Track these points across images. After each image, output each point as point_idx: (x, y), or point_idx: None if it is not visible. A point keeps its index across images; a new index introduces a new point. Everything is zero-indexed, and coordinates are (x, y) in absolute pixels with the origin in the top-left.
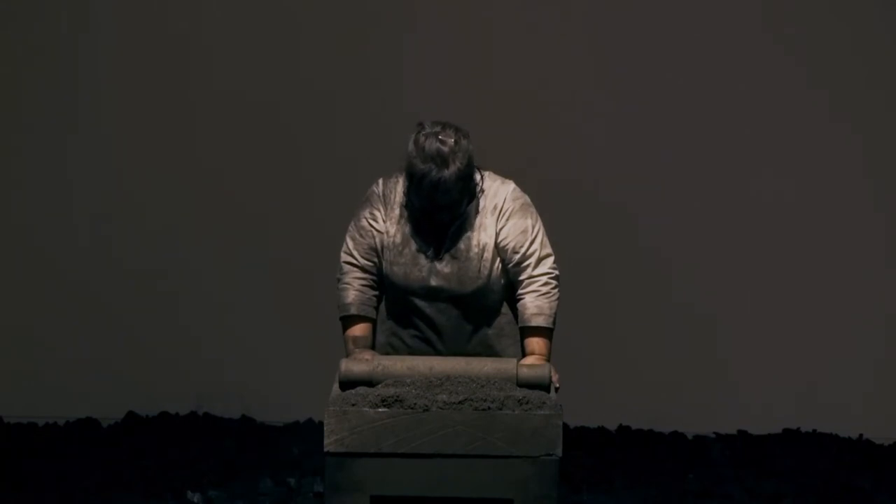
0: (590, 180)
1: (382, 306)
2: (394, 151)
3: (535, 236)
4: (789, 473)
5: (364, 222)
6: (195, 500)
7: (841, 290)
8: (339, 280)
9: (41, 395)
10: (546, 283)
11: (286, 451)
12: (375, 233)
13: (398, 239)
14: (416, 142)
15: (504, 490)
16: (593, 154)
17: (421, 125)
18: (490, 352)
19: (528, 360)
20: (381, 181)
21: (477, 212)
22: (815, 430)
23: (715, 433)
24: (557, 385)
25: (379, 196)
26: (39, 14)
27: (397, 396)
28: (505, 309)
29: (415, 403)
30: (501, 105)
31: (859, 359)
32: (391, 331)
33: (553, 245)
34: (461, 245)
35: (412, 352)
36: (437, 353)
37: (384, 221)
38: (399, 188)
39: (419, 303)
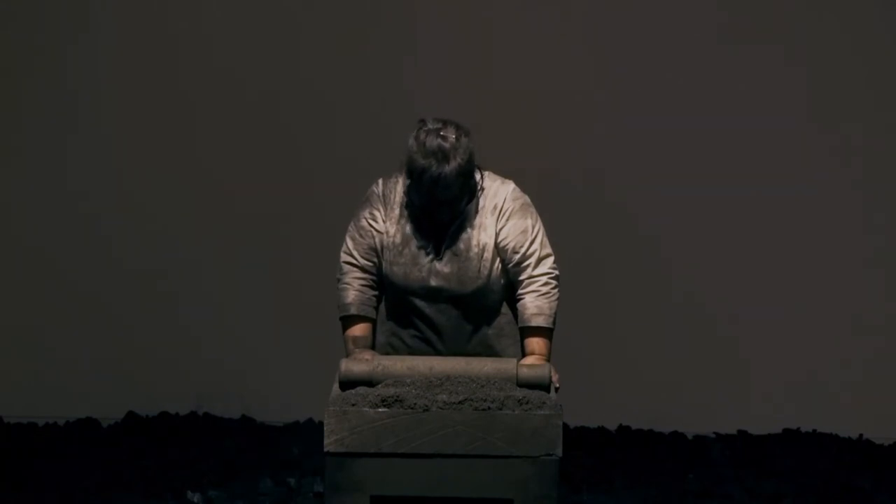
0: (589, 180)
1: (382, 306)
2: (394, 151)
3: (535, 236)
4: (789, 473)
5: (364, 222)
6: (195, 500)
7: (841, 290)
8: (338, 280)
9: (41, 395)
10: (546, 283)
11: (286, 451)
12: (375, 233)
13: (398, 239)
14: (416, 138)
15: (504, 490)
16: (592, 154)
17: (422, 121)
18: (490, 352)
19: (528, 360)
20: (380, 181)
21: (477, 212)
22: (815, 430)
23: (715, 433)
24: (557, 385)
25: (379, 196)
26: (39, 13)
27: (397, 396)
28: (505, 309)
29: (415, 403)
30: (501, 105)
31: (859, 359)
32: (391, 331)
33: (553, 245)
34: (461, 245)
35: (412, 352)
36: (437, 353)
37: (384, 221)
38: (399, 188)
39: (419, 303)
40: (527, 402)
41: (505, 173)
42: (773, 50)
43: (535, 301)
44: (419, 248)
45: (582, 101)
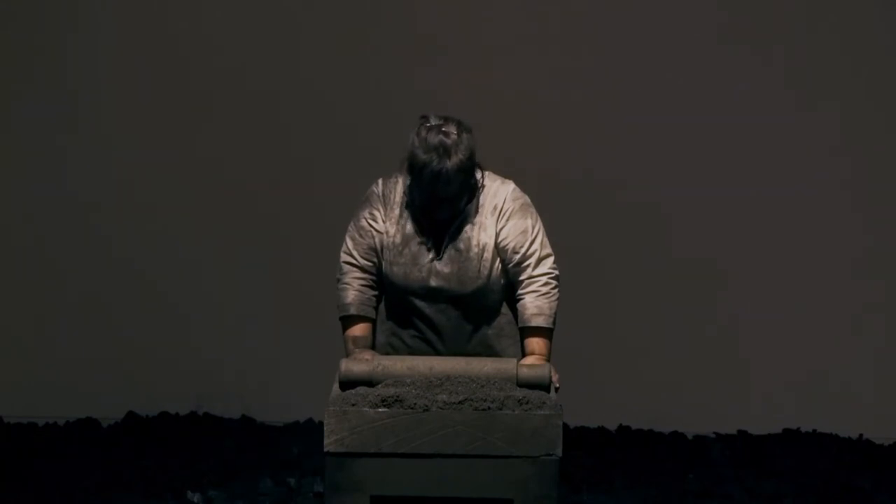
0: (589, 180)
1: (382, 306)
2: (394, 151)
3: (535, 236)
4: (789, 473)
5: (364, 222)
6: (195, 500)
7: (841, 290)
8: (338, 280)
9: (41, 395)
10: (546, 284)
11: (286, 451)
12: (375, 233)
13: (398, 239)
14: (418, 134)
15: (504, 490)
16: (592, 154)
17: (424, 118)
18: (490, 352)
19: (528, 360)
20: (380, 181)
21: (477, 212)
22: (815, 430)
23: (715, 433)
24: (557, 385)
25: (378, 196)
26: (39, 12)
27: (397, 396)
28: (505, 309)
29: (415, 403)
30: (502, 105)
31: (859, 359)
32: (391, 331)
33: (553, 245)
34: (461, 245)
35: (412, 352)
36: (437, 353)
37: (384, 221)
38: (399, 188)
39: (419, 303)
40: (527, 402)
41: (505, 173)
42: (773, 49)
43: (535, 301)
44: (419, 248)
45: (582, 101)
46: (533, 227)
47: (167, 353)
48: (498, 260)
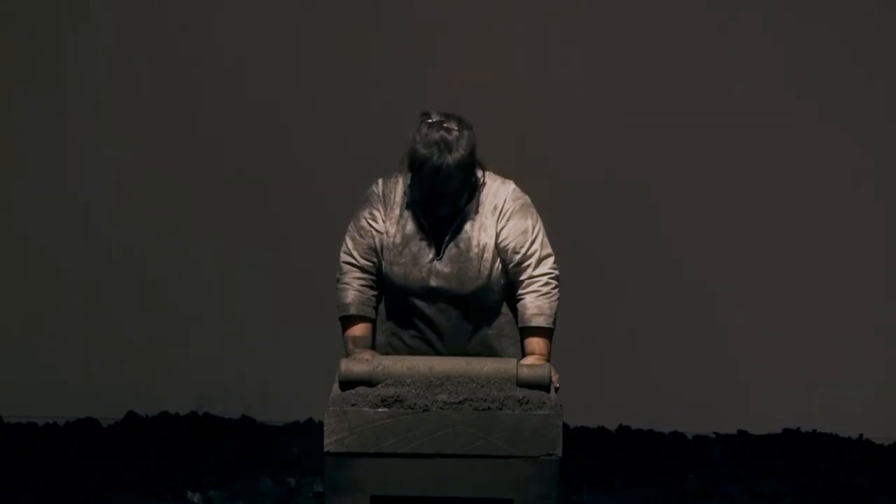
0: (589, 180)
1: (382, 306)
2: (395, 151)
3: (536, 236)
4: (789, 473)
5: (364, 222)
6: (195, 500)
7: (841, 290)
8: (338, 280)
9: (41, 395)
10: (546, 284)
11: (286, 451)
12: (375, 233)
13: (398, 239)
14: (419, 130)
15: (504, 490)
16: (591, 153)
17: (426, 114)
18: (490, 352)
19: (528, 360)
20: (380, 181)
21: (477, 212)
22: (815, 430)
23: (715, 433)
24: (557, 385)
25: (379, 196)
26: (39, 12)
27: (397, 396)
28: (505, 309)
29: (415, 403)
30: (502, 105)
31: (859, 359)
32: (391, 331)
33: (553, 245)
34: (461, 245)
35: (412, 352)
36: (437, 353)
37: (384, 221)
38: (399, 188)
39: (419, 303)
40: (527, 402)
41: (505, 173)
42: (774, 48)
43: (536, 301)
44: (419, 248)
45: (583, 101)
46: (533, 228)
47: (167, 353)
48: (498, 260)
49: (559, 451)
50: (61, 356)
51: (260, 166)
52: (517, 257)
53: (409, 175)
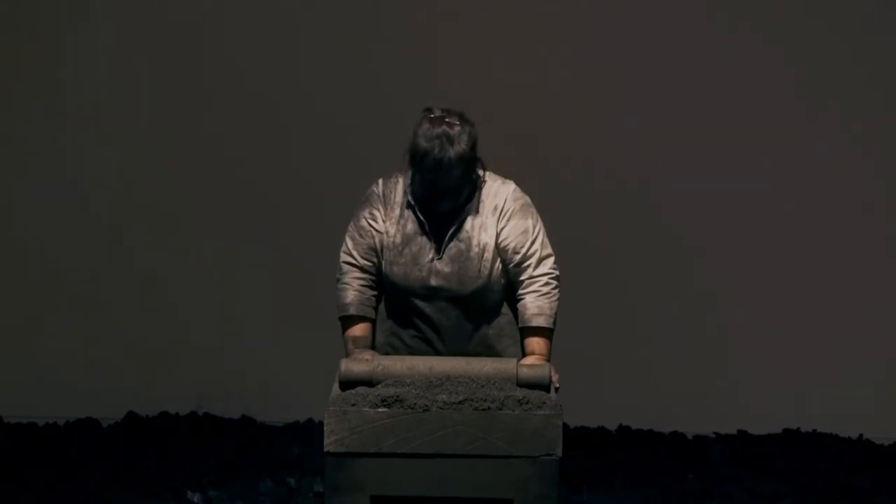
0: (590, 180)
1: (382, 306)
2: (394, 151)
3: (536, 237)
4: (789, 473)
5: (364, 222)
6: (195, 500)
7: (841, 290)
8: (338, 280)
9: (41, 395)
10: (547, 284)
11: (286, 451)
12: (375, 233)
13: (398, 239)
14: (421, 124)
15: (504, 490)
16: (591, 154)
17: (428, 110)
18: (490, 352)
19: (528, 360)
20: (380, 181)
21: (477, 211)
22: (815, 430)
23: (715, 433)
24: (557, 385)
25: (379, 196)
26: (39, 12)
27: (397, 396)
28: (505, 309)
29: (415, 403)
30: (503, 105)
31: (859, 359)
32: (391, 331)
33: (553, 245)
34: (461, 245)
35: (412, 352)
36: (437, 353)
37: (384, 221)
38: (399, 188)
39: (419, 303)
40: (527, 402)
41: (505, 173)
42: (774, 48)
43: (536, 301)
44: (419, 247)
45: (583, 101)
46: (534, 228)
47: (167, 353)
48: (498, 260)
49: (559, 451)
50: (61, 356)
51: (260, 166)
52: (517, 257)
53: (410, 172)
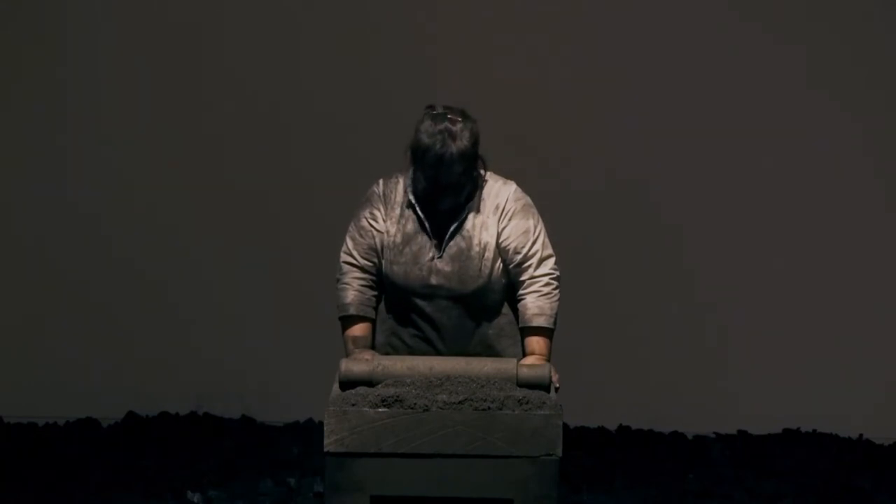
0: (590, 180)
1: (382, 306)
2: (394, 151)
3: (537, 237)
4: (789, 473)
5: (364, 222)
6: (195, 500)
7: (841, 290)
8: (338, 280)
9: (41, 395)
10: (547, 284)
11: (286, 451)
12: (375, 233)
13: (398, 238)
14: (423, 121)
15: (504, 490)
16: (592, 154)
17: (430, 107)
18: (490, 352)
19: (529, 360)
20: (381, 181)
21: (478, 211)
22: (815, 430)
23: (715, 433)
24: (557, 385)
25: (379, 196)
26: (39, 12)
27: (397, 396)
28: (505, 309)
29: (415, 403)
30: (503, 105)
31: (859, 359)
32: (391, 330)
33: (554, 245)
34: (462, 244)
35: (412, 351)
36: (438, 352)
37: (384, 221)
38: (399, 188)
39: (419, 302)
40: (527, 402)
41: (506, 173)
42: (774, 48)
43: (537, 301)
44: (420, 246)
45: (584, 101)
46: (534, 228)
47: (167, 353)
48: (499, 260)
49: (559, 451)
50: (61, 356)
51: (260, 166)
52: (518, 257)
53: (412, 169)
